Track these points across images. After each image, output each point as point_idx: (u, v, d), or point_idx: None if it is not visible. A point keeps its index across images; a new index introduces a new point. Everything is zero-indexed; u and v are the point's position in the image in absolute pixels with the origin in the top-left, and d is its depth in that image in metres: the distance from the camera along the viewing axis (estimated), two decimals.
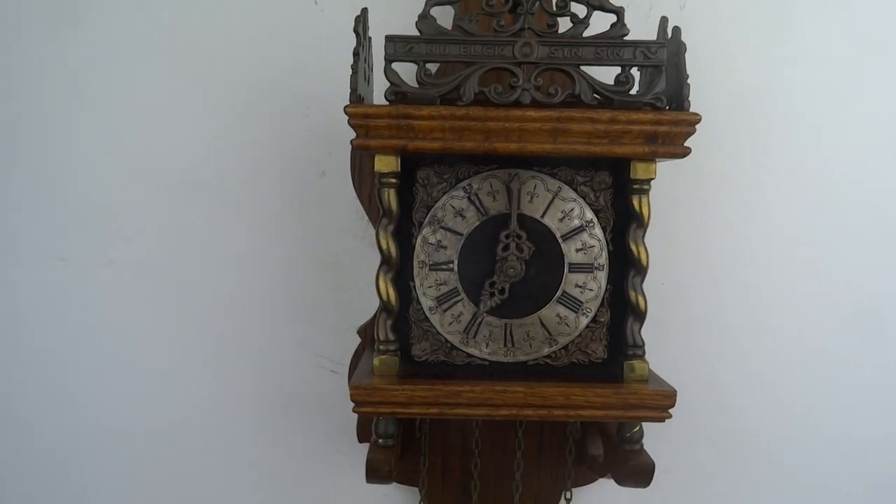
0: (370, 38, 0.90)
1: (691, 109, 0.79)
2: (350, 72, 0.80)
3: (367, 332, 1.03)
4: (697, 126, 0.78)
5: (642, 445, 0.86)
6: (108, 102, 1.07)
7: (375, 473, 0.81)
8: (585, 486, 1.04)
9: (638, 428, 0.85)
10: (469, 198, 0.84)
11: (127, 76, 1.07)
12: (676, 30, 0.82)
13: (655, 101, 0.78)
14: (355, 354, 1.05)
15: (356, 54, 0.80)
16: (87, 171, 1.08)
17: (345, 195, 1.08)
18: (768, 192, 1.08)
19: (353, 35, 0.82)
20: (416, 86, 0.78)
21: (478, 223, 0.84)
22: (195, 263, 1.09)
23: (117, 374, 1.10)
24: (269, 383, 1.11)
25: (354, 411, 0.80)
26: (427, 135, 0.78)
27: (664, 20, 0.85)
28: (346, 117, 0.77)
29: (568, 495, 1.02)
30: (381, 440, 0.84)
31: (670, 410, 0.80)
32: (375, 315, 0.86)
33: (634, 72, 0.81)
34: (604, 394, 0.80)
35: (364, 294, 1.09)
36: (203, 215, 1.08)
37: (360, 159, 1.01)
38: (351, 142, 0.79)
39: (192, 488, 1.12)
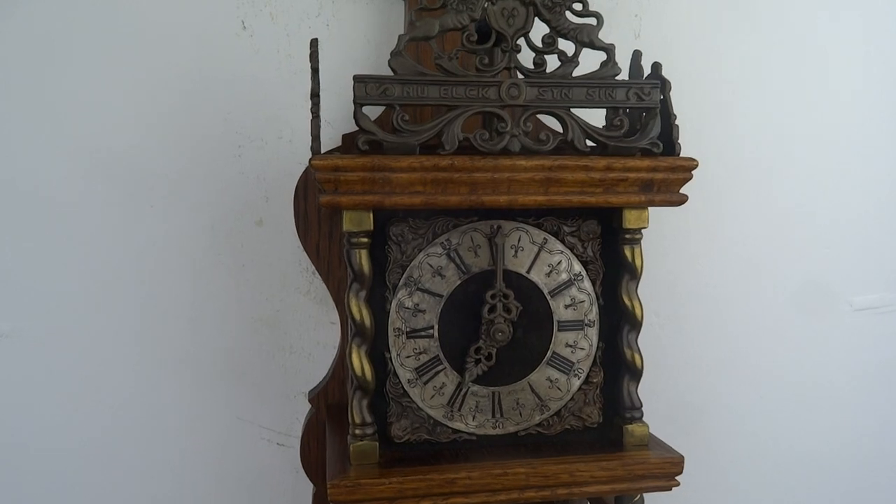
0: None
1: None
2: (310, 116, 0.69)
3: (320, 398, 0.91)
4: (694, 171, 0.73)
5: None
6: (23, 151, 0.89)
7: None
8: None
9: (639, 497, 0.79)
10: (448, 254, 0.75)
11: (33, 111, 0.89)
12: (657, 65, 0.77)
13: (651, 145, 0.72)
14: (307, 425, 0.92)
15: (315, 95, 0.69)
16: None
17: (285, 245, 0.95)
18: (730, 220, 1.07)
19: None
20: (392, 133, 0.68)
21: (459, 282, 0.75)
22: (116, 324, 0.92)
23: (37, 444, 0.92)
24: (206, 460, 0.96)
25: None
26: (406, 189, 0.68)
27: (637, 54, 0.80)
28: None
29: None
30: None
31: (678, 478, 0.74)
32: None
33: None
34: (609, 467, 0.73)
35: (312, 356, 0.97)
36: (125, 268, 0.92)
37: (305, 205, 0.89)
38: (319, 200, 0.67)
39: None
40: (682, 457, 0.74)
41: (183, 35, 0.91)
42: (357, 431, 0.72)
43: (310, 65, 0.70)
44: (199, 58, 0.92)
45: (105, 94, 0.90)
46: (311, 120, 0.68)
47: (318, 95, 0.69)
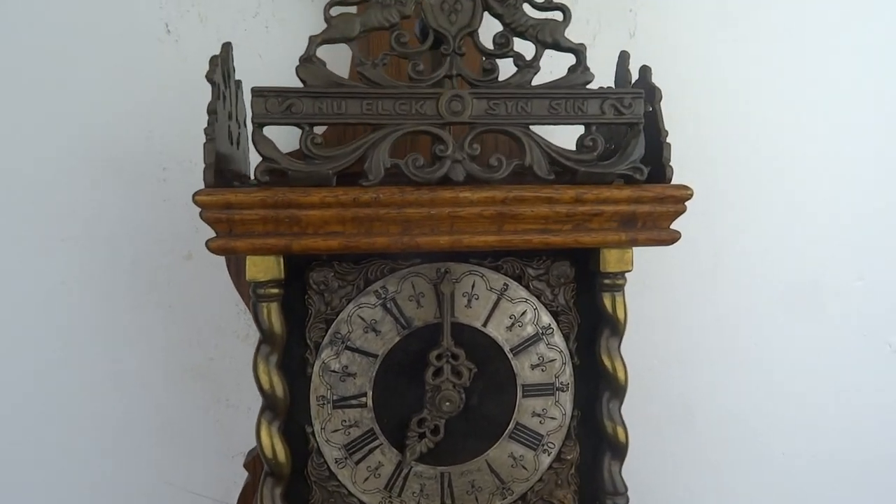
0: (239, 84, 0.65)
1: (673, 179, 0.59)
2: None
3: (256, 465, 0.77)
4: (687, 203, 0.58)
5: None
6: None
7: None
8: None
9: None
10: (384, 305, 0.61)
11: None
12: (645, 70, 0.62)
13: (633, 171, 0.58)
14: (243, 494, 0.79)
15: (212, 112, 0.55)
16: None
17: (219, 282, 0.82)
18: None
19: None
20: (301, 160, 0.54)
21: (398, 339, 0.61)
22: (25, 372, 0.80)
23: None
24: None
25: None
26: (320, 229, 0.54)
27: (624, 55, 0.65)
28: None
29: None
30: None
31: None
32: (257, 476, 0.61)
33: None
34: None
35: (252, 410, 0.83)
36: (32, 310, 0.80)
37: None
38: (207, 244, 0.54)
39: None
40: None
41: (97, 40, 0.79)
42: None
43: (220, 72, 0.56)
44: (116, 66, 0.79)
45: (5, 106, 0.78)
46: (205, 144, 0.55)
47: (215, 113, 0.55)
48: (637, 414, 0.69)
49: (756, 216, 0.90)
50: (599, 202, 0.57)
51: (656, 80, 0.62)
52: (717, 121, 0.89)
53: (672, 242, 0.59)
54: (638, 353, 0.79)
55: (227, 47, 0.61)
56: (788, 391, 0.92)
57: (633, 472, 0.66)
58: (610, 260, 0.60)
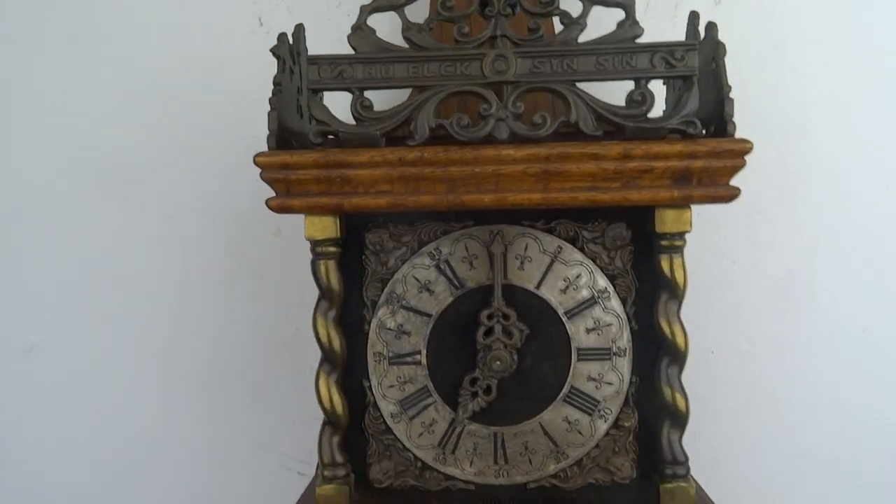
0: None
1: (736, 133, 0.56)
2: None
3: None
4: (748, 157, 0.56)
5: None
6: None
7: None
8: None
9: None
10: (438, 266, 0.63)
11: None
12: (712, 26, 0.60)
13: (686, 125, 0.56)
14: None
15: (277, 84, 0.60)
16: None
17: (305, 258, 0.87)
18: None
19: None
20: (352, 122, 0.58)
21: (451, 300, 0.63)
22: (127, 349, 0.90)
23: (58, 457, 0.91)
24: (221, 489, 0.90)
25: None
26: (369, 188, 0.57)
27: (694, 15, 0.63)
28: None
29: None
30: None
31: None
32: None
33: (655, 86, 0.58)
34: None
35: None
36: (143, 285, 0.89)
37: None
38: (266, 202, 0.58)
39: None
40: None
41: (196, 34, 0.87)
42: (326, 473, 0.62)
43: (287, 48, 0.61)
44: (214, 58, 0.87)
45: (115, 99, 0.88)
46: (269, 112, 0.59)
47: (279, 84, 0.60)
48: None
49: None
50: (649, 158, 0.55)
51: (739, 51, 0.60)
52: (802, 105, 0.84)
53: (731, 199, 0.56)
54: None
55: (298, 28, 0.65)
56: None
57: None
58: (666, 220, 0.58)
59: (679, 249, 0.59)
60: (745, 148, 0.55)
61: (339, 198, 0.57)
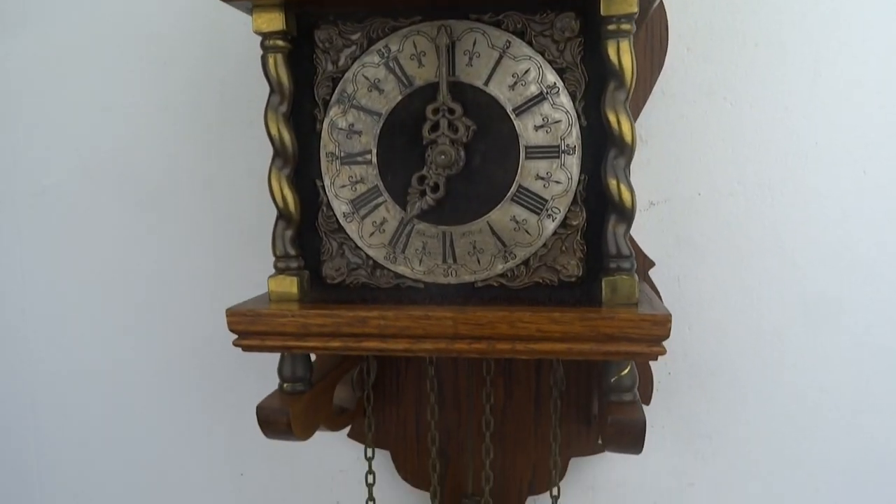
0: None
1: None
2: None
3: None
4: None
5: (636, 395, 0.62)
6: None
7: (269, 426, 0.62)
8: (588, 458, 0.80)
9: (627, 370, 0.61)
10: (387, 64, 0.63)
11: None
12: None
13: None
14: None
15: None
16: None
17: None
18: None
19: None
20: None
21: (400, 98, 0.63)
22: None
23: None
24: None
25: (235, 344, 0.62)
26: None
27: None
28: None
29: (555, 478, 0.78)
30: (286, 384, 0.66)
31: (665, 343, 0.56)
32: None
33: None
34: (564, 320, 0.56)
35: None
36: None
37: None
38: None
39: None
40: (668, 315, 0.55)
41: None
42: (279, 265, 0.64)
43: None
44: None
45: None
46: None
47: None
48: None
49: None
50: None
51: None
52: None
53: None
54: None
55: None
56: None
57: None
58: (611, 2, 0.56)
59: (626, 34, 0.57)
60: None
61: None
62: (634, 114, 0.77)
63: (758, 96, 0.78)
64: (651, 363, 0.79)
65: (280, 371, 0.66)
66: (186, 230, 0.90)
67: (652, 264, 0.79)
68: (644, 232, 0.80)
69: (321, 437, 0.79)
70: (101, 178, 0.91)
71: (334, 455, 0.89)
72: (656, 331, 0.55)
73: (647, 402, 0.80)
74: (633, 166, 0.75)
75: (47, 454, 0.98)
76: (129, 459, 0.95)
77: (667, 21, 0.76)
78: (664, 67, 0.77)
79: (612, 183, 0.59)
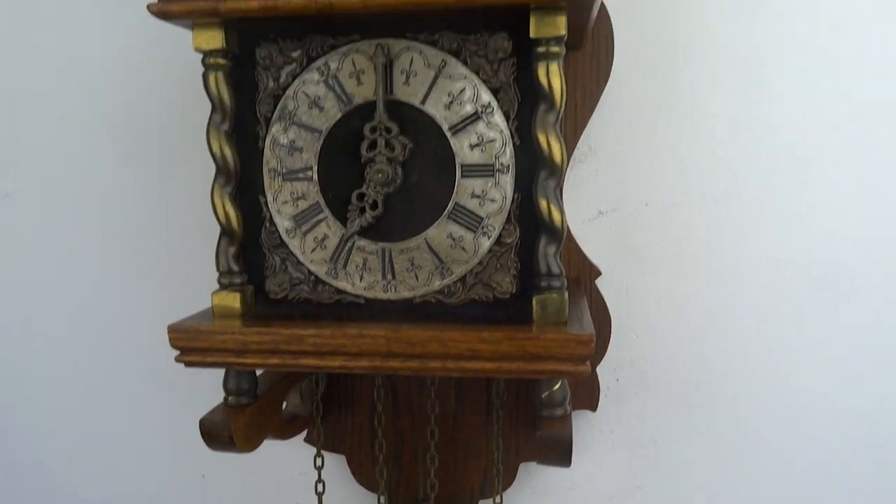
0: None
1: None
2: None
3: None
4: None
5: (566, 410, 0.63)
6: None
7: (212, 439, 0.64)
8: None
9: (559, 385, 0.62)
10: (327, 82, 0.64)
11: None
12: None
13: None
14: None
15: None
16: None
17: None
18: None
19: None
20: None
21: (340, 115, 0.64)
22: None
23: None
24: None
25: (177, 360, 0.63)
26: None
27: None
28: None
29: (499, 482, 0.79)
30: (230, 398, 0.67)
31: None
32: None
33: None
34: (492, 339, 0.58)
35: None
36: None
37: None
38: (148, 7, 0.60)
39: None
40: (592, 334, 0.57)
41: None
42: (222, 280, 0.65)
43: None
44: None
45: None
46: None
47: None
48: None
49: None
50: None
51: None
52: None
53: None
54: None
55: None
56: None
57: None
58: (539, 24, 0.57)
59: (556, 56, 0.57)
60: None
61: (214, 2, 0.58)
62: (581, 125, 0.79)
63: (703, 108, 0.78)
64: (599, 370, 0.81)
65: (225, 384, 0.67)
66: (141, 238, 0.91)
67: (599, 273, 0.80)
68: (592, 241, 0.81)
69: (280, 441, 0.81)
70: (57, 187, 0.93)
71: (294, 458, 0.91)
72: (581, 350, 0.57)
73: (595, 409, 0.81)
74: (581, 176, 0.77)
75: None
76: (87, 462, 0.97)
77: (613, 33, 0.77)
78: (610, 79, 0.77)
79: (543, 203, 0.60)
